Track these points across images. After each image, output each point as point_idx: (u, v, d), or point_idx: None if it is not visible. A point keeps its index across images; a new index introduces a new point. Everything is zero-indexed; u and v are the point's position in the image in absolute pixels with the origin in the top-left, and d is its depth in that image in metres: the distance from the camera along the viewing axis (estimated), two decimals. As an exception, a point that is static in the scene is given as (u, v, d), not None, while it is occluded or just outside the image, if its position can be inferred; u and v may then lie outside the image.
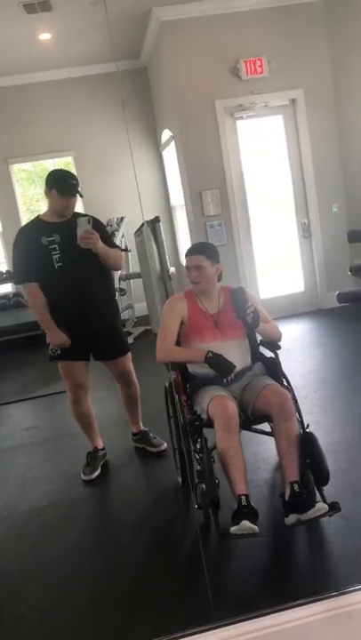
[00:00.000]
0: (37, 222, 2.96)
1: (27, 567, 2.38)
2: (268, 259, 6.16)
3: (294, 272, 6.22)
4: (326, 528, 2.25)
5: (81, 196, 2.92)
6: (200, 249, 2.66)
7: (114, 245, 3.05)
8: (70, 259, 2.85)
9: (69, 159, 7.11)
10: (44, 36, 5.38)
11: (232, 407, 2.30)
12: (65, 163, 7.22)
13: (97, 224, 2.90)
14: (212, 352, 2.44)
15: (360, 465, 2.72)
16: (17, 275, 2.99)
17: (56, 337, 2.91)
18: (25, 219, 7.14)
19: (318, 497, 2.21)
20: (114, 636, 1.91)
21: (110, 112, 6.80)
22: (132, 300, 6.75)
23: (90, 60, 5.98)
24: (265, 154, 5.99)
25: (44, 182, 2.89)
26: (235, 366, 2.45)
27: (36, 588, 2.23)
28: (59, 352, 2.94)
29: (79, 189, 2.90)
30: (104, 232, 2.99)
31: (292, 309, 6.08)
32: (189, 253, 2.63)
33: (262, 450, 2.87)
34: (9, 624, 2.06)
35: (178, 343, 2.61)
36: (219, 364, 2.43)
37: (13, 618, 2.09)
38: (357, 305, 5.62)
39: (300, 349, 5.04)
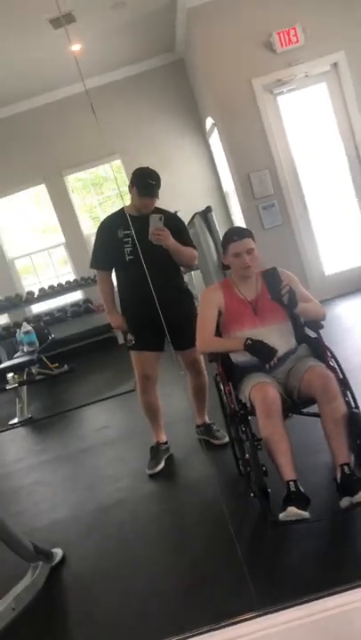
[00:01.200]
0: (120, 213, 3.09)
1: (93, 564, 2.47)
2: (330, 233, 5.95)
3: (359, 243, 5.95)
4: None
5: (157, 197, 2.99)
6: (246, 232, 2.57)
7: (189, 244, 3.07)
8: (141, 252, 2.90)
9: (119, 162, 7.24)
10: (75, 47, 5.52)
11: (273, 393, 2.25)
12: (116, 166, 7.37)
13: (174, 221, 3.03)
14: (250, 339, 2.40)
15: None
16: (92, 259, 3.18)
17: (113, 320, 3.18)
18: (86, 227, 7.37)
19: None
20: (172, 624, 1.94)
21: (150, 109, 6.85)
22: (196, 292, 6.77)
23: (122, 63, 6.05)
24: (312, 125, 5.77)
25: (130, 178, 3.04)
26: (276, 350, 2.39)
27: (102, 583, 2.32)
28: (133, 342, 3.10)
29: (159, 189, 2.98)
30: (181, 229, 3.06)
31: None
32: (239, 238, 2.51)
33: (320, 432, 2.78)
34: (76, 616, 2.18)
35: (218, 334, 2.59)
36: (259, 350, 2.38)
37: (80, 611, 2.20)
38: None
39: (368, 324, 4.84)
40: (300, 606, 1.68)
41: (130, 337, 3.11)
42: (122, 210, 3.10)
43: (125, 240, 2.96)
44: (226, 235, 2.62)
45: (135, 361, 3.15)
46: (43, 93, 6.56)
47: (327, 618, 1.65)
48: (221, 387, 2.59)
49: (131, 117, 6.87)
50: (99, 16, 4.49)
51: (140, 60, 6.40)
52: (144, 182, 2.94)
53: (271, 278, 2.45)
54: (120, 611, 2.12)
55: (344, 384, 2.36)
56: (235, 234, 2.56)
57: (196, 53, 5.99)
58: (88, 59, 5.76)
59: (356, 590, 1.62)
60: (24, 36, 4.98)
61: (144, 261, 2.88)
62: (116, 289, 3.22)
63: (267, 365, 2.43)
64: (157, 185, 2.96)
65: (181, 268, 3.21)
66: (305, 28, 5.41)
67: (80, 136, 6.89)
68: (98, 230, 3.15)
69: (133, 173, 3.03)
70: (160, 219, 2.82)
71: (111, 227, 3.05)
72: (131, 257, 2.96)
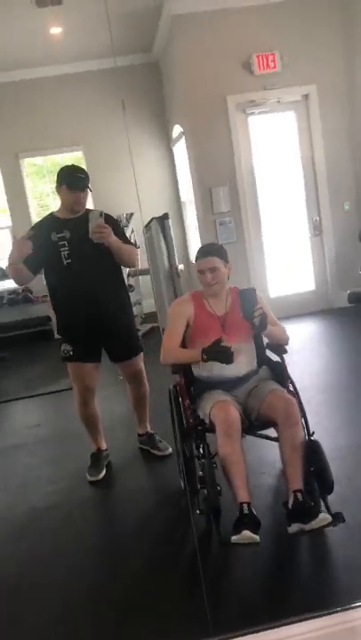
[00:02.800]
0: (50, 218, 2.95)
1: (23, 569, 2.35)
2: (279, 256, 6.09)
3: (305, 270, 6.13)
4: (330, 537, 2.19)
5: (90, 190, 2.88)
6: (213, 250, 2.58)
7: (127, 242, 2.97)
8: (80, 255, 2.79)
9: (79, 154, 7.07)
10: (55, 30, 5.34)
11: (234, 413, 2.25)
12: (75, 158, 7.18)
13: (109, 219, 2.86)
14: (205, 347, 2.34)
15: (366, 471, 2.66)
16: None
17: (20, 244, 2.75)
18: (35, 214, 7.13)
19: (323, 507, 2.15)
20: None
21: (118, 106, 6.72)
22: (141, 297, 6.71)
23: (100, 54, 5.93)
24: (276, 150, 5.90)
25: (55, 179, 2.87)
26: (230, 347, 2.32)
27: (31, 589, 2.21)
28: (70, 353, 2.91)
29: (89, 184, 2.86)
30: (117, 228, 2.93)
31: (303, 308, 5.99)
32: (202, 256, 2.53)
33: (266, 454, 2.80)
34: (3, 625, 2.04)
35: (184, 345, 2.56)
36: (218, 351, 2.32)
37: (8, 619, 2.07)
38: (368, 305, 5.54)
39: (309, 350, 4.97)
40: (250, 636, 1.67)
41: (66, 347, 2.92)
42: (51, 214, 2.97)
43: (61, 243, 2.80)
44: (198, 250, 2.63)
45: (74, 373, 2.97)
46: (10, 70, 6.28)
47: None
48: (180, 400, 2.55)
49: (98, 111, 6.72)
50: (86, 3, 4.36)
51: (116, 54, 6.27)
52: (74, 177, 2.83)
53: (247, 298, 2.44)
54: (52, 624, 2.02)
55: (302, 411, 2.39)
56: (199, 251, 2.59)
57: (174, 60, 5.97)
58: (65, 44, 5.59)
59: (313, 621, 1.63)
60: (2, 9, 4.75)
61: (84, 264, 2.78)
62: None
63: (228, 383, 2.42)
64: (87, 178, 2.85)
65: (124, 272, 3.08)
66: (283, 56, 5.54)
67: (43, 120, 6.67)
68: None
69: (58, 173, 2.89)
70: (101, 214, 2.71)
71: (42, 230, 2.84)
72: (69, 261, 2.80)
